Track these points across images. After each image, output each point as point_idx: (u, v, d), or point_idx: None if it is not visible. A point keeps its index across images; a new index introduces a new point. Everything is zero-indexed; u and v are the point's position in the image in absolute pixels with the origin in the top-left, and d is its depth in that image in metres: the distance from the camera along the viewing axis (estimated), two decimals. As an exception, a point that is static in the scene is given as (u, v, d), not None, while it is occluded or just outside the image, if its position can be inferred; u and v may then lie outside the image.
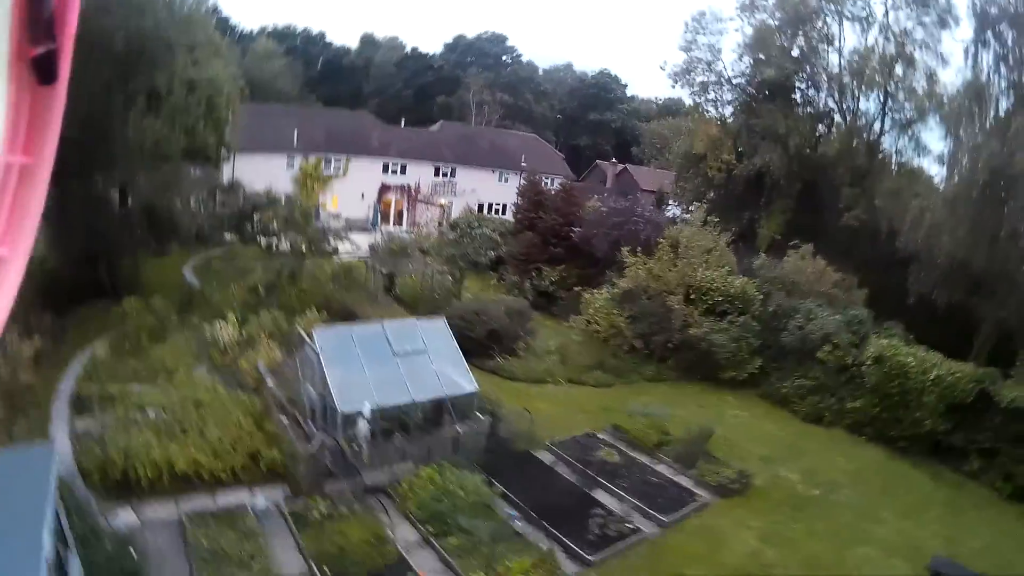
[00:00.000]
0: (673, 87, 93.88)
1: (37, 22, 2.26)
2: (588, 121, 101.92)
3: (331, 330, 20.84)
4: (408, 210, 66.46)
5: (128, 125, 29.91)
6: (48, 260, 30.91)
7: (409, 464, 19.32)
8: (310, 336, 20.30)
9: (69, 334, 25.74)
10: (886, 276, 37.06)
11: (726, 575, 17.26)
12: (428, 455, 19.77)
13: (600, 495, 20.06)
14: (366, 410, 18.24)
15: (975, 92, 32.67)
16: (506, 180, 69.34)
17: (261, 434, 19.56)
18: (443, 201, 64.47)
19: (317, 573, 15.33)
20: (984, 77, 32.60)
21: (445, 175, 69.30)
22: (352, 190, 62.08)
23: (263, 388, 21.94)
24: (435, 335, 21.94)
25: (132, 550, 14.63)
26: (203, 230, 39.98)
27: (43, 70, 2.35)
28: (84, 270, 30.19)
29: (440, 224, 54.91)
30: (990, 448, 24.73)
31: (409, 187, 66.84)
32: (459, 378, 21.00)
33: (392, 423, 19.85)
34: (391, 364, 20.13)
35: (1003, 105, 32.40)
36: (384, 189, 65.91)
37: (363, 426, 18.29)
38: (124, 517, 16.16)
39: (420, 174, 67.41)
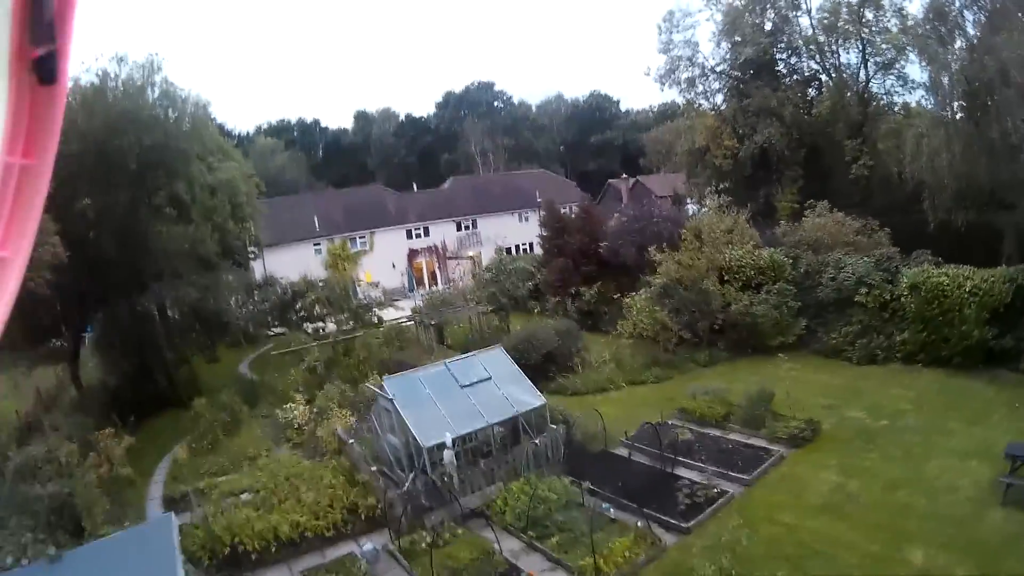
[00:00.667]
0: (662, 90, 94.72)
1: (38, 22, 2.25)
2: (591, 145, 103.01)
3: (399, 378, 22.01)
4: (440, 269, 67.90)
5: (162, 236, 31.41)
6: (108, 380, 32.44)
7: (498, 484, 20.43)
8: (381, 389, 21.60)
9: (144, 447, 26.58)
10: (905, 214, 37.77)
11: (815, 508, 18.19)
12: (514, 471, 20.92)
13: (681, 471, 21.01)
14: (448, 440, 19.43)
15: (938, 12, 33.44)
16: (526, 219, 70.75)
17: (354, 489, 20.72)
18: (471, 253, 65.79)
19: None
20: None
21: (467, 228, 70.85)
22: (382, 261, 63.69)
23: (345, 450, 23.11)
24: (495, 362, 23.18)
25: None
26: (247, 329, 41.20)
27: (44, 70, 2.32)
28: (144, 384, 31.49)
29: (474, 275, 56.09)
30: None
31: (435, 247, 68.33)
32: (525, 395, 22.18)
33: (475, 450, 21.09)
34: (460, 396, 21.37)
35: (968, 17, 33.25)
36: (412, 254, 67.49)
37: (448, 455, 19.46)
38: None
39: (443, 232, 69.11)
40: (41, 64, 2.24)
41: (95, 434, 24.52)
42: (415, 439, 19.99)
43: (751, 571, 14.73)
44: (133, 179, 30.32)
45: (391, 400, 20.84)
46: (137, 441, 25.86)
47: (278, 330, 43.23)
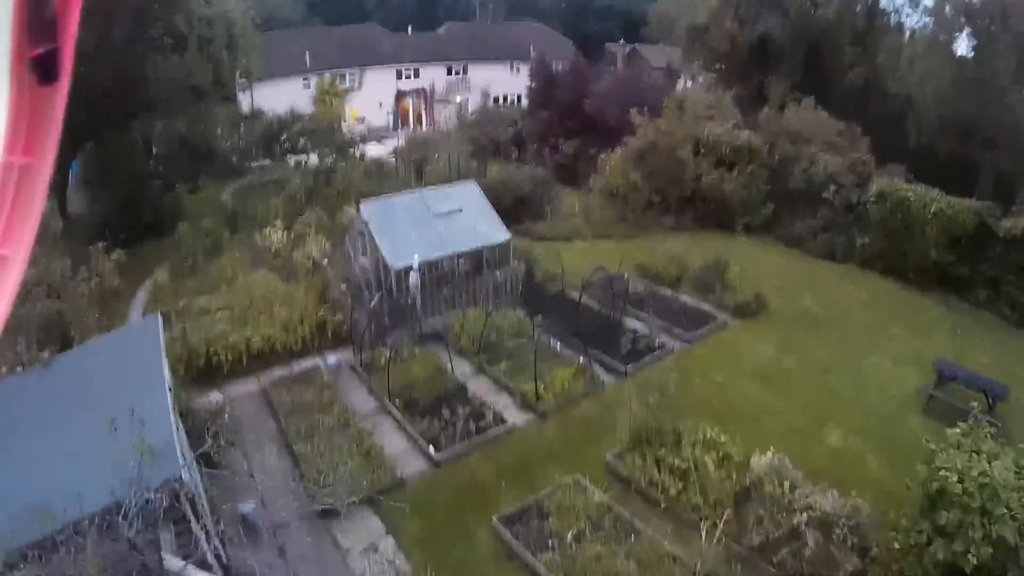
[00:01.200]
0: None
1: (38, 22, 2.25)
2: (594, 7, 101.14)
3: (375, 202, 22.72)
4: (426, 111, 67.88)
5: (159, 66, 31.54)
6: (95, 211, 32.91)
7: (458, 311, 21.58)
8: (358, 213, 22.54)
9: (127, 272, 26.88)
10: (891, 130, 37.92)
11: (748, 374, 19.54)
12: (474, 301, 22.09)
13: (629, 321, 22.28)
14: (415, 263, 20.44)
15: None
16: (518, 71, 69.97)
17: (323, 307, 21.83)
18: (458, 98, 65.71)
19: (389, 405, 17.74)
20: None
21: (457, 73, 70.50)
22: (370, 100, 63.51)
23: (319, 271, 24.09)
24: (468, 196, 24.01)
25: (224, 414, 16.72)
26: (232, 161, 41.76)
27: (44, 70, 2.33)
28: (129, 214, 31.79)
29: (459, 119, 56.29)
30: (994, 278, 25.74)
31: (424, 90, 68.16)
32: (492, 230, 23.05)
33: (439, 277, 22.22)
34: (432, 224, 22.20)
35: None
36: (400, 95, 67.30)
37: (414, 277, 20.52)
38: (213, 397, 18.15)
39: (433, 76, 68.71)
40: (41, 64, 2.31)
41: (87, 249, 25.31)
42: (384, 260, 20.96)
43: (678, 415, 15.93)
44: (132, 10, 30.33)
45: (366, 223, 21.74)
46: (119, 266, 26.38)
47: (263, 162, 43.54)
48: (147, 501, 9.30)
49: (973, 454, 10.82)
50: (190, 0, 33.99)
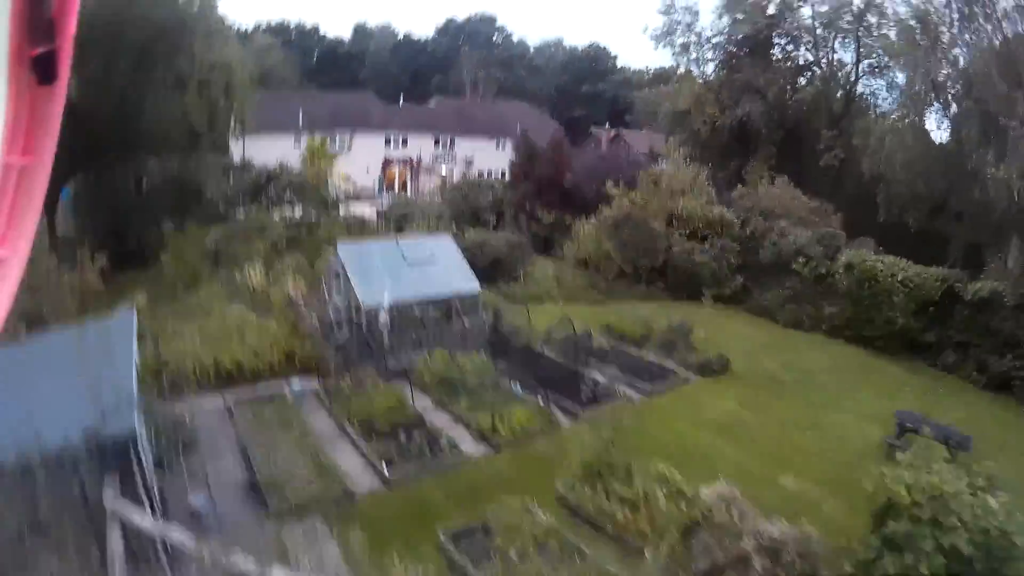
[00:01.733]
0: (656, 48, 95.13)
1: (37, 23, 2.25)
2: (581, 93, 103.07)
3: (352, 245, 23.34)
4: (412, 180, 68.65)
5: (158, 103, 32.26)
6: (82, 233, 33.28)
7: (424, 353, 21.82)
8: (335, 255, 23.01)
9: (105, 296, 26.58)
10: (864, 207, 38.49)
11: (706, 424, 19.69)
12: (442, 345, 22.23)
13: (591, 373, 22.28)
14: (385, 300, 20.77)
15: (920, 16, 34.11)
16: (503, 148, 71.09)
17: (295, 339, 22.02)
18: (444, 171, 66.59)
19: (348, 429, 17.88)
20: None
21: (444, 145, 71.52)
22: (358, 164, 64.16)
23: (294, 307, 24.34)
24: (442, 248, 24.52)
25: (186, 421, 17.05)
26: (219, 208, 42.03)
27: (43, 70, 2.33)
28: (114, 240, 32.17)
29: (442, 188, 57.00)
30: (962, 342, 26.18)
31: (411, 159, 69.04)
32: (464, 281, 23.48)
33: (409, 320, 22.51)
34: (405, 271, 22.63)
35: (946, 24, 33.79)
36: (387, 162, 68.18)
37: (383, 316, 20.85)
38: (178, 408, 17.94)
39: (421, 146, 69.62)
40: (40, 64, 2.33)
41: (72, 257, 25.65)
42: (357, 298, 21.32)
43: (633, 455, 16.07)
44: (137, 46, 31.19)
45: (342, 263, 22.19)
46: (102, 272, 26.81)
47: (249, 211, 44.03)
48: (99, 445, 9.53)
49: (925, 473, 10.83)
50: (193, 43, 34.79)
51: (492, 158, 71.52)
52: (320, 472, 15.35)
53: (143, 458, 10.98)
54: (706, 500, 13.39)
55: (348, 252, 22.73)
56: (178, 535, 9.26)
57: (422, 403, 19.51)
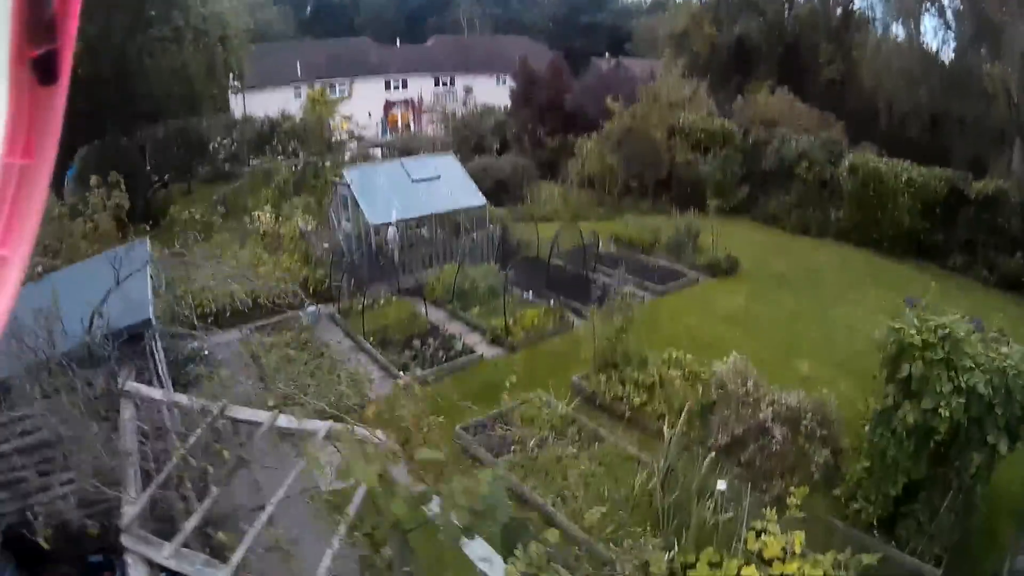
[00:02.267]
0: None
1: (37, 22, 2.07)
2: (580, 24, 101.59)
3: (358, 168, 23.27)
4: (414, 121, 68.24)
5: (156, 57, 32.09)
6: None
7: (435, 269, 21.82)
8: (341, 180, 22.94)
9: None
10: (867, 122, 38.04)
11: (717, 318, 19.64)
12: (451, 259, 22.22)
13: (601, 278, 22.31)
14: (393, 217, 20.70)
15: None
16: (504, 82, 70.26)
17: (307, 268, 22.05)
18: (448, 108, 66.13)
19: (363, 343, 17.90)
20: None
21: (445, 84, 70.96)
22: (360, 110, 63.63)
23: (305, 237, 24.33)
24: (446, 166, 24.33)
25: (203, 348, 17.21)
26: (224, 166, 42.08)
27: (43, 70, 2.15)
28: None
29: (445, 124, 56.68)
30: (970, 241, 25.83)
31: (412, 100, 68.56)
32: (470, 196, 23.35)
33: (417, 239, 22.49)
34: (411, 189, 22.52)
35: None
36: (389, 105, 67.68)
37: (392, 232, 20.78)
38: (195, 341, 18.17)
39: (421, 87, 69.07)
40: (41, 64, 2.16)
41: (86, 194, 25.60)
42: (365, 219, 21.27)
43: (647, 348, 16.05)
44: (132, 5, 30.98)
45: (348, 185, 22.10)
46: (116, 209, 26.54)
47: (254, 162, 43.80)
48: (117, 333, 9.84)
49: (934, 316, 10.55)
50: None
51: (493, 93, 70.23)
52: (336, 381, 15.37)
53: (156, 349, 11.06)
54: (721, 376, 13.29)
55: (354, 175, 22.74)
56: (183, 398, 9.54)
57: (436, 316, 19.56)
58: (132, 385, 9.52)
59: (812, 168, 30.06)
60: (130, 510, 7.73)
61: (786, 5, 51.41)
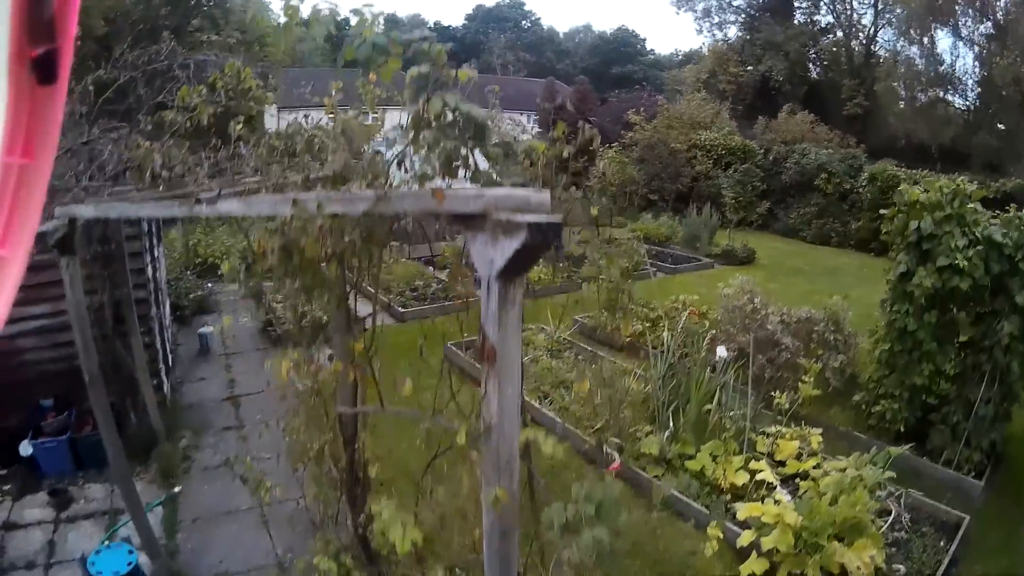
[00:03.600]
0: (677, 13, 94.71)
1: (37, 21, 2.03)
2: (610, 75, 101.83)
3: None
4: (443, 153, 68.62)
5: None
6: None
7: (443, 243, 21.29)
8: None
9: None
10: (894, 153, 37.84)
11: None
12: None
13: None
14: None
15: None
16: (535, 121, 70.75)
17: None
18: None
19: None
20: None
21: (476, 116, 71.34)
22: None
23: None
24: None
25: (209, 295, 17.62)
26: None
27: (43, 70, 2.11)
28: None
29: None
30: None
31: (441, 133, 68.99)
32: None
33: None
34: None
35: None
36: (418, 137, 68.18)
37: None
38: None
39: (451, 117, 69.48)
40: (41, 64, 2.09)
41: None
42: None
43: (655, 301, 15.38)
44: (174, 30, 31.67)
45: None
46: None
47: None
48: None
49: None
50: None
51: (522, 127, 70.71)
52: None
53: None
54: (727, 295, 12.53)
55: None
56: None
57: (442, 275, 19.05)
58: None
59: (832, 179, 29.38)
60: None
61: (810, 43, 51.36)
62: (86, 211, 6.82)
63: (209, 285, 18.51)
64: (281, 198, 4.11)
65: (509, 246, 2.92)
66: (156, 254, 12.35)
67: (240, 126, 5.64)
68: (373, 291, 5.50)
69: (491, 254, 3.05)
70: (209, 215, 4.71)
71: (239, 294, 17.36)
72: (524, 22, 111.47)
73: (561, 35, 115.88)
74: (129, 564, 7.10)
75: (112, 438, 7.39)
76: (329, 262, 4.69)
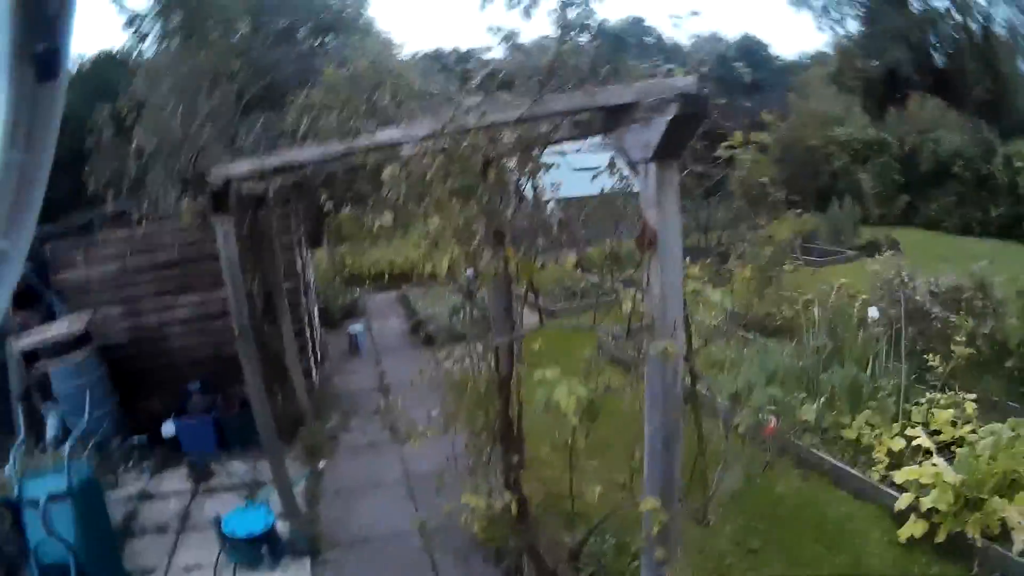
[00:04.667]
0: (796, 12, 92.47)
1: (38, 19, 2.13)
2: (740, 83, 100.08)
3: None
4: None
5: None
6: None
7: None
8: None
9: None
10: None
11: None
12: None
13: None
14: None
15: None
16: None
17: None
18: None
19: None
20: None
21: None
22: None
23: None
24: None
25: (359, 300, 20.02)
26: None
27: (43, 67, 2.21)
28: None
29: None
30: None
31: (574, 154, 69.70)
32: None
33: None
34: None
35: None
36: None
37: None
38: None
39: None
40: (41, 60, 2.22)
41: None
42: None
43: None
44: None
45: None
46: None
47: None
48: None
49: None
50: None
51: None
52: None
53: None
54: (874, 270, 12.73)
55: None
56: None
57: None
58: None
59: (968, 166, 28.80)
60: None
61: (929, 29, 49.84)
62: (241, 168, 7.11)
63: (357, 290, 19.74)
64: (437, 117, 4.46)
65: (662, 122, 3.34)
66: (304, 253, 13.23)
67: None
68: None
69: (646, 136, 3.47)
70: (369, 145, 5.23)
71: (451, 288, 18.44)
72: (647, 38, 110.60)
73: (685, 50, 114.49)
74: (265, 525, 7.34)
75: (263, 412, 7.84)
76: (486, 169, 4.73)
